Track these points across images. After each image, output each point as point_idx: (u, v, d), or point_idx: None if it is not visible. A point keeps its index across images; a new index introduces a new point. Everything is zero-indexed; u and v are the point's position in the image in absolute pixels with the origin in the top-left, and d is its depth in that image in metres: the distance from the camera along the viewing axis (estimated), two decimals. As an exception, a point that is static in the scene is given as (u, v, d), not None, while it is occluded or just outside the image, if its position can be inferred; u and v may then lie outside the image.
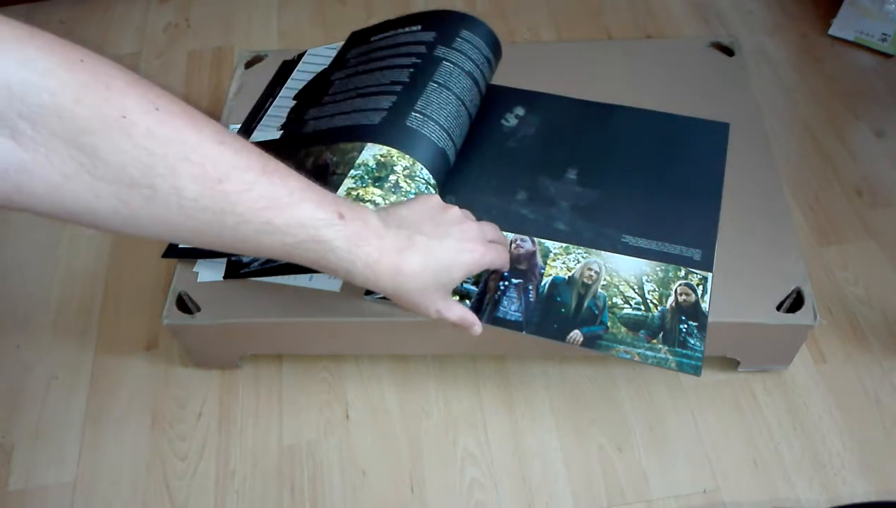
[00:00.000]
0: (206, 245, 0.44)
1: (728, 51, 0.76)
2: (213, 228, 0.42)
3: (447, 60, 0.65)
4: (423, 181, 0.59)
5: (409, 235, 0.50)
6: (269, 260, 0.61)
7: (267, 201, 0.43)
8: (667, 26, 0.95)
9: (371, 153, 0.60)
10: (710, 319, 0.56)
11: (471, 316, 0.54)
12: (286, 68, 0.77)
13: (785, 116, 0.84)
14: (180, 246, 0.63)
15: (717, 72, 0.74)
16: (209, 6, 1.02)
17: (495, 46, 0.69)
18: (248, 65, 0.79)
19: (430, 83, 0.63)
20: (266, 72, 0.78)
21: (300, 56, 0.78)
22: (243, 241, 0.44)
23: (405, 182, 0.58)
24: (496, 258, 0.54)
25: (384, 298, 0.57)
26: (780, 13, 0.96)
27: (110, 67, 0.38)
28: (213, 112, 0.43)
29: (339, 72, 0.72)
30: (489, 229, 0.56)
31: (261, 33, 0.98)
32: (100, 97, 0.36)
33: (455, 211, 0.54)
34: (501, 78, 0.72)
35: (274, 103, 0.73)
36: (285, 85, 0.75)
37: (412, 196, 0.58)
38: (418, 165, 0.59)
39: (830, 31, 0.92)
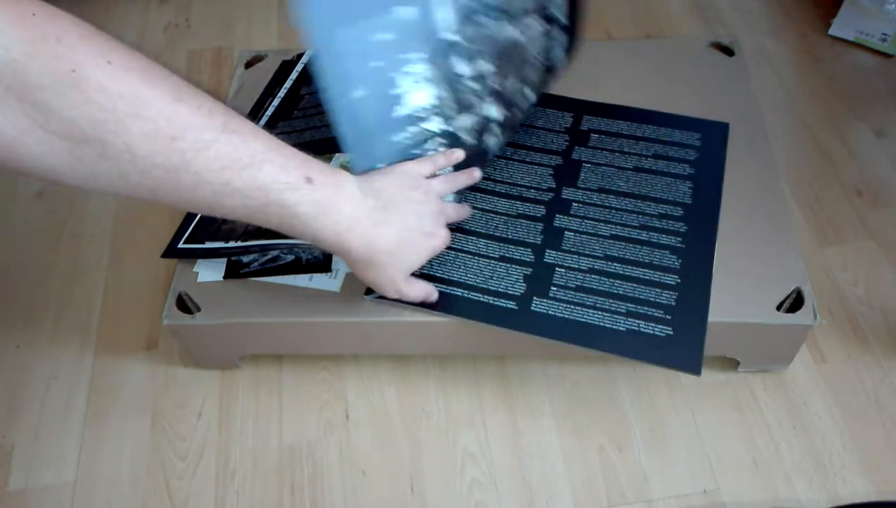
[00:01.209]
0: (167, 204, 0.43)
1: (728, 51, 0.76)
2: (168, 186, 0.41)
3: None
4: None
5: (385, 209, 0.49)
6: (269, 260, 0.61)
7: (225, 161, 0.41)
8: (667, 26, 0.95)
9: (340, 162, 0.61)
10: (710, 319, 0.56)
11: (428, 289, 0.55)
12: (286, 68, 0.77)
13: (785, 116, 0.84)
14: (179, 246, 0.63)
15: (717, 72, 0.74)
16: (209, 6, 1.02)
17: None
18: (248, 65, 0.79)
19: None
20: (266, 72, 0.78)
21: (300, 56, 0.78)
22: (202, 201, 0.43)
23: None
24: (449, 240, 0.55)
25: (384, 298, 0.57)
26: (780, 13, 0.96)
27: (64, 21, 0.37)
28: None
29: (309, 86, 0.71)
30: (451, 210, 0.57)
31: (261, 33, 0.98)
32: (51, 52, 0.36)
33: (426, 187, 0.53)
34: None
35: (273, 103, 0.73)
36: (284, 85, 0.75)
37: None
38: None
39: (830, 31, 0.92)
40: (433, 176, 0.56)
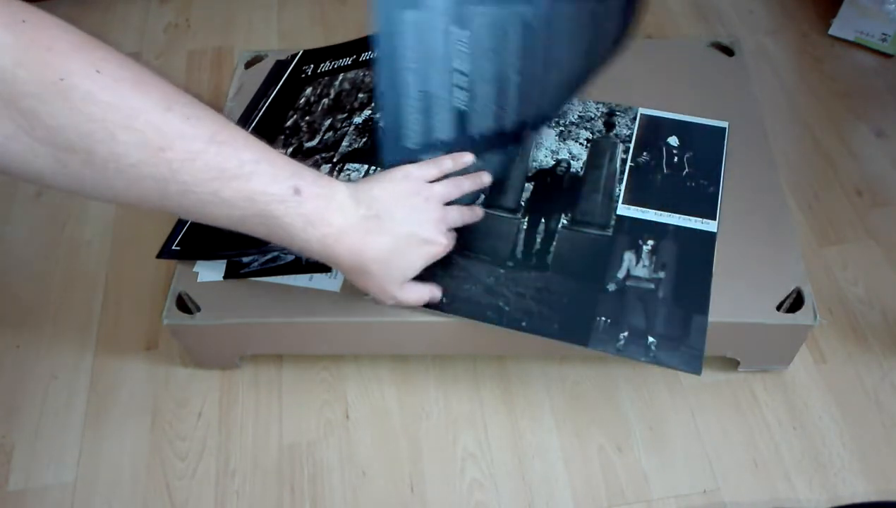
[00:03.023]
0: (152, 209, 0.43)
1: (728, 51, 0.76)
2: (155, 195, 0.41)
3: None
4: None
5: (377, 216, 0.49)
6: (269, 260, 0.61)
7: (213, 172, 0.41)
8: (667, 26, 0.95)
9: None
10: (710, 319, 0.56)
11: (427, 292, 0.54)
12: (280, 68, 0.77)
13: (785, 116, 0.84)
14: (174, 247, 0.63)
15: (717, 72, 0.74)
16: (209, 6, 1.02)
17: None
18: (248, 65, 0.79)
19: None
20: (266, 72, 0.78)
21: (293, 56, 0.78)
22: (189, 210, 0.43)
23: None
24: (452, 245, 0.54)
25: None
26: (780, 13, 0.96)
27: (54, 29, 0.37)
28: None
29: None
30: (455, 215, 0.55)
31: (261, 33, 0.98)
32: (40, 60, 0.35)
33: (427, 193, 0.52)
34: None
35: (267, 103, 0.73)
36: (278, 85, 0.75)
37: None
38: None
39: (830, 31, 0.92)
40: (438, 179, 0.54)
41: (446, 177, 0.55)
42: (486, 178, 0.58)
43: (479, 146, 0.58)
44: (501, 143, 0.58)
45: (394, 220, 0.49)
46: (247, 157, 0.43)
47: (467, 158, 0.56)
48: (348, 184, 0.49)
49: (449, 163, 0.55)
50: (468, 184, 0.56)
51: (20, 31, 0.35)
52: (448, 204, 0.54)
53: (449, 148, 0.56)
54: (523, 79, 0.56)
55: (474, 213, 0.58)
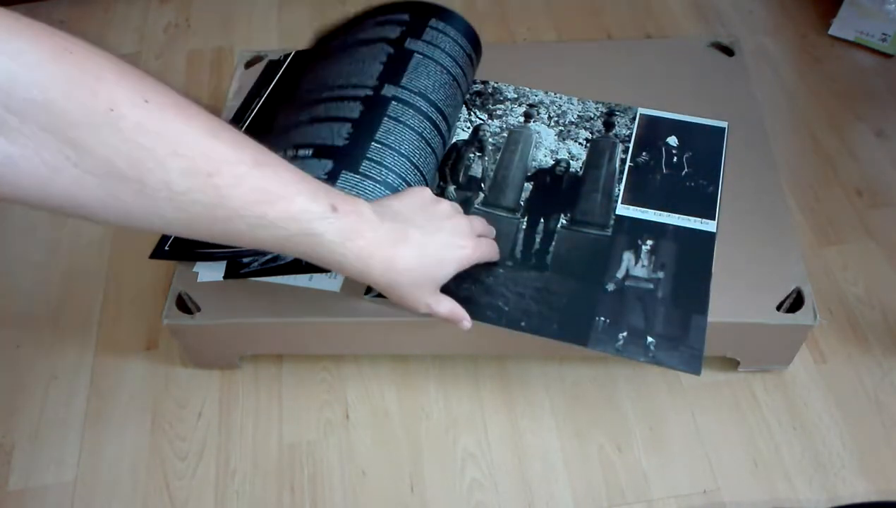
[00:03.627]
0: (199, 237, 0.44)
1: (728, 51, 0.76)
2: (204, 221, 0.42)
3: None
4: None
5: (402, 228, 0.50)
6: (269, 260, 0.61)
7: (259, 195, 0.42)
8: (667, 26, 0.95)
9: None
10: (710, 319, 0.56)
11: (460, 311, 0.54)
12: (272, 69, 0.77)
13: (785, 116, 0.84)
14: (166, 247, 0.63)
15: (717, 72, 0.74)
16: (209, 6, 1.02)
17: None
18: (248, 65, 0.79)
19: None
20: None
21: (286, 56, 0.78)
22: (236, 234, 0.43)
23: None
24: (486, 252, 0.55)
25: (382, 295, 0.57)
26: (780, 13, 0.96)
27: (100, 58, 0.37)
28: (213, 112, 0.43)
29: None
30: (478, 223, 0.57)
31: (261, 33, 0.98)
32: (88, 90, 0.35)
33: (445, 205, 0.54)
34: (501, 78, 0.72)
35: (260, 104, 0.73)
36: (271, 86, 0.75)
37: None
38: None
39: (830, 31, 0.92)
40: None
41: None
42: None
43: None
44: None
45: (419, 229, 0.50)
46: (288, 178, 0.44)
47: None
48: (370, 201, 0.51)
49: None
50: (479, 226, 0.58)
51: (67, 61, 0.35)
52: None
53: None
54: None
55: (492, 228, 0.60)
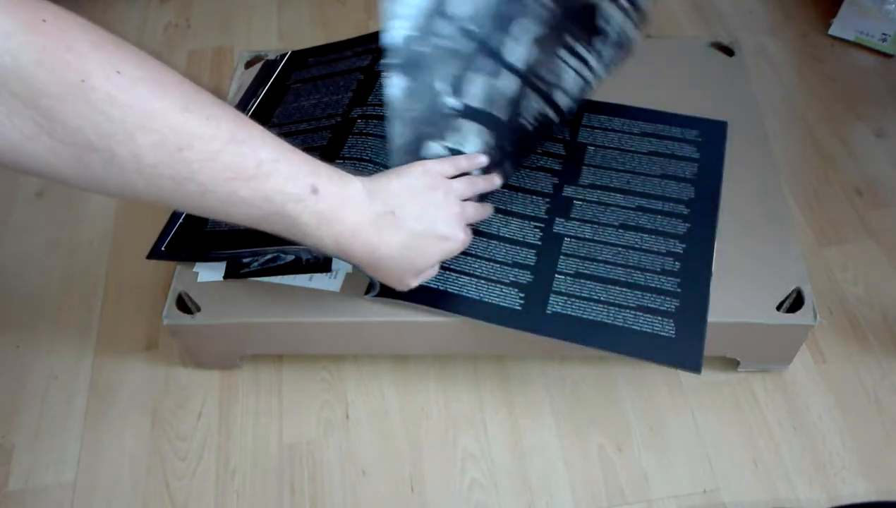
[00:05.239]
0: (176, 208, 0.44)
1: (728, 51, 0.76)
2: (175, 195, 0.41)
3: None
4: None
5: (392, 213, 0.49)
6: (269, 260, 0.61)
7: (231, 172, 0.42)
8: (667, 26, 0.95)
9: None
10: (710, 319, 0.56)
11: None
12: (269, 68, 0.77)
13: (785, 116, 0.84)
14: (163, 248, 0.63)
15: (717, 71, 0.74)
16: (209, 6, 1.02)
17: None
18: (248, 65, 0.79)
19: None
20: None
21: (282, 56, 0.78)
22: (209, 210, 0.43)
23: None
24: (468, 240, 0.54)
25: (382, 295, 0.57)
26: (780, 13, 0.96)
27: (75, 28, 0.37)
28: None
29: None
30: (472, 211, 0.55)
31: (261, 33, 0.98)
32: (60, 60, 0.35)
33: (446, 187, 0.52)
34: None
35: (256, 104, 0.73)
36: (267, 86, 0.75)
37: None
38: None
39: (830, 31, 0.92)
40: (454, 177, 0.55)
41: (462, 175, 0.55)
42: (497, 180, 0.58)
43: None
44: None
45: (410, 217, 0.49)
46: (265, 156, 0.43)
47: (482, 159, 0.57)
48: (365, 178, 0.49)
49: (464, 162, 0.56)
50: (482, 185, 0.57)
51: (41, 30, 0.35)
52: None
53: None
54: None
55: (486, 210, 0.59)
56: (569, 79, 0.61)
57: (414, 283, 0.53)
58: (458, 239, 0.52)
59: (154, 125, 0.38)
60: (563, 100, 0.62)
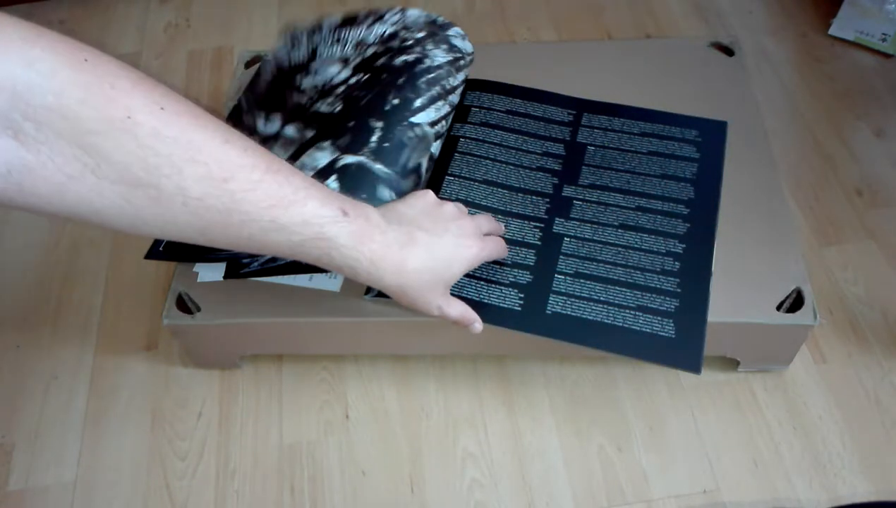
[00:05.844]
0: (213, 243, 0.44)
1: (728, 51, 0.76)
2: (218, 226, 0.42)
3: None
4: None
5: (409, 231, 0.50)
6: (269, 260, 0.61)
7: (273, 199, 0.43)
8: (667, 26, 0.95)
9: None
10: (710, 319, 0.56)
11: (471, 314, 0.54)
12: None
13: (785, 116, 0.84)
14: (161, 248, 0.63)
15: (717, 71, 0.74)
16: (209, 6, 1.02)
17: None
18: (248, 65, 0.79)
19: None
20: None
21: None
22: (249, 239, 0.44)
23: None
24: (494, 250, 0.56)
25: (382, 295, 0.57)
26: (780, 13, 0.96)
27: (115, 67, 0.37)
28: (214, 112, 0.43)
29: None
30: (484, 222, 0.57)
31: (261, 33, 0.98)
32: (104, 97, 0.36)
33: (450, 207, 0.54)
34: (501, 77, 0.72)
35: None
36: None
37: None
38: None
39: (830, 31, 0.92)
40: None
41: None
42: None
43: None
44: None
45: (423, 230, 0.51)
46: (299, 183, 0.44)
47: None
48: (375, 206, 0.51)
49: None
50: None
51: (82, 69, 0.35)
52: None
53: None
54: None
55: (500, 225, 0.60)
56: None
57: (444, 305, 0.53)
58: (477, 244, 0.53)
59: (200, 157, 0.39)
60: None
